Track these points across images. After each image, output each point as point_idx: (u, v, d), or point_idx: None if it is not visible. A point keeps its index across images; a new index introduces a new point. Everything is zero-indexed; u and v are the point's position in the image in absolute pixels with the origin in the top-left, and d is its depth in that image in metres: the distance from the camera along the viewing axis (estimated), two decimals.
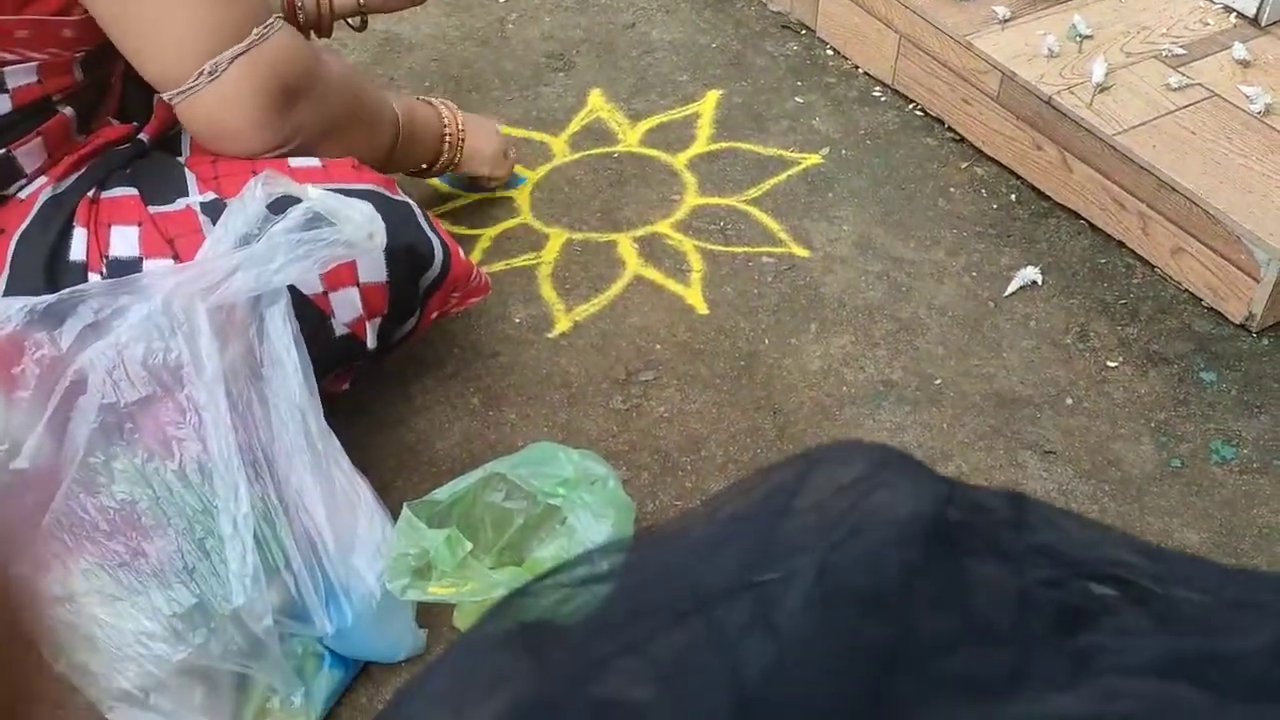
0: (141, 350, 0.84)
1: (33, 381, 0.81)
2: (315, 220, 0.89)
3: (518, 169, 1.41)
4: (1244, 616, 0.39)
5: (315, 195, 0.91)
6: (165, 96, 0.94)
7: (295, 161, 1.00)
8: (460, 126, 1.27)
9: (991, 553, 0.41)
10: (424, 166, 1.27)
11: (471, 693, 0.42)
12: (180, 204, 0.96)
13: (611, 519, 0.90)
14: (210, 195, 0.96)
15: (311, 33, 1.24)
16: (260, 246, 0.87)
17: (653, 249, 1.34)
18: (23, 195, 0.96)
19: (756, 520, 0.42)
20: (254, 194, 0.88)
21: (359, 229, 0.90)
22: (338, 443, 0.93)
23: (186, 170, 0.99)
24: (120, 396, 0.83)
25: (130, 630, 0.83)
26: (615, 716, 0.38)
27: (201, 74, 0.91)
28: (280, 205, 0.90)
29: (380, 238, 0.93)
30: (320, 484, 0.92)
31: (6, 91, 0.93)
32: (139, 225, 0.95)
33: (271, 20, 0.94)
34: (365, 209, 0.92)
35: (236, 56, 0.91)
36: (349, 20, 1.28)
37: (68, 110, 0.97)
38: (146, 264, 0.93)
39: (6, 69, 0.91)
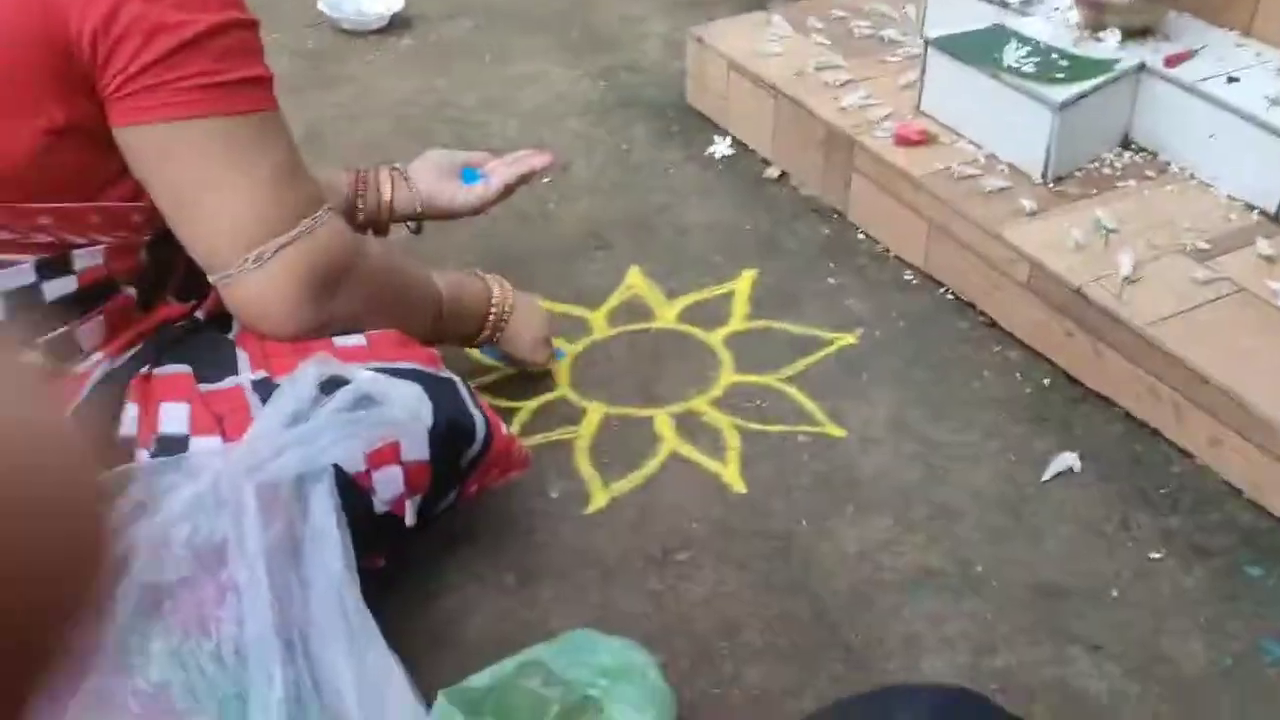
0: (187, 530, 0.84)
1: None
2: (363, 401, 0.91)
3: (558, 343, 1.43)
4: None
5: (364, 377, 0.93)
6: (211, 278, 0.98)
7: (340, 340, 1.03)
8: (508, 306, 1.29)
9: None
10: (459, 341, 1.29)
11: None
12: (230, 382, 0.99)
13: (652, 713, 0.88)
14: (261, 374, 0.98)
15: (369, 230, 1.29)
16: (309, 426, 0.88)
17: (690, 426, 1.35)
18: (78, 369, 0.99)
19: None
20: (306, 375, 0.90)
21: (406, 409, 0.92)
22: (373, 622, 0.92)
23: (237, 348, 1.02)
24: (163, 576, 0.82)
25: None
26: None
27: (246, 261, 0.94)
28: (329, 385, 0.92)
29: (427, 417, 0.95)
30: (354, 666, 0.90)
31: (74, 273, 0.96)
32: (189, 403, 0.97)
33: (320, 213, 0.98)
34: (413, 390, 0.94)
35: (282, 247, 0.95)
36: (406, 223, 1.34)
37: (130, 290, 1.00)
38: (193, 442, 0.94)
39: (75, 252, 0.95)
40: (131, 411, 0.96)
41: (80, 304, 0.98)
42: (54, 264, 0.96)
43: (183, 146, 0.91)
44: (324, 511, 0.92)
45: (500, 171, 1.34)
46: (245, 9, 0.93)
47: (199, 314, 1.07)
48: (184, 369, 1.00)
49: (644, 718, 0.89)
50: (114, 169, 0.94)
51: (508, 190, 1.34)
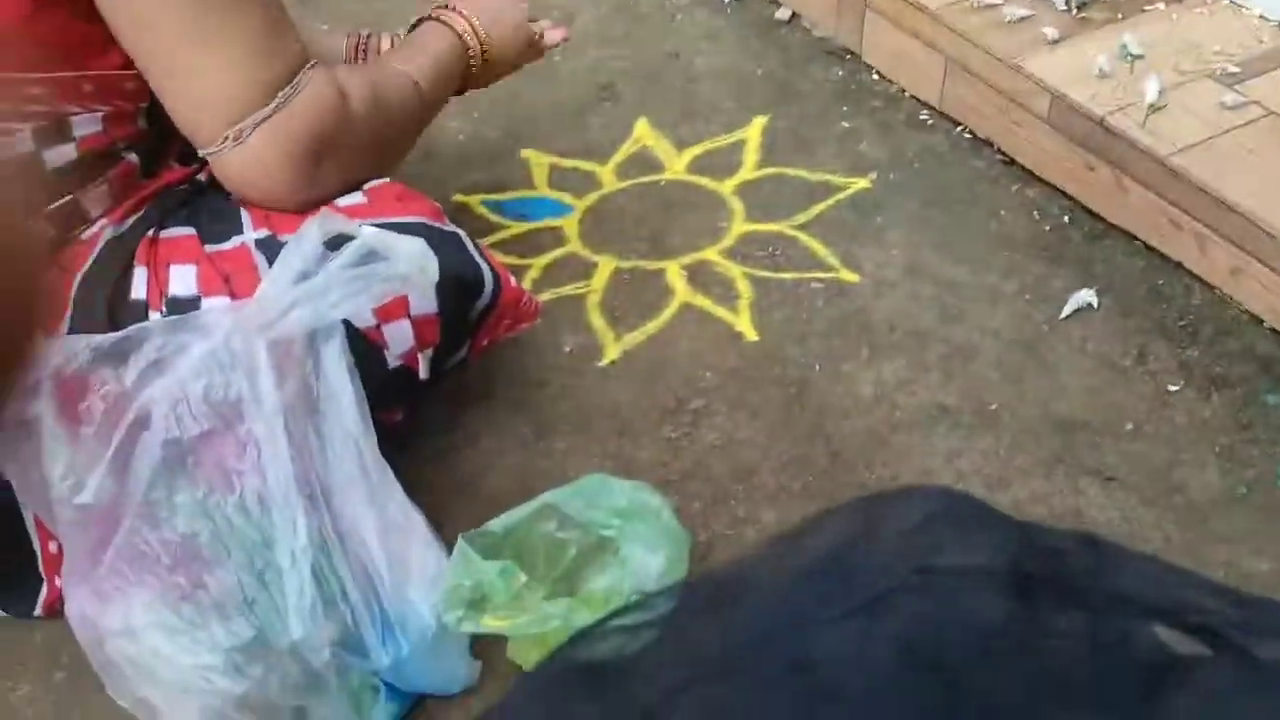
0: (203, 386, 0.85)
1: (98, 418, 0.82)
2: (369, 256, 0.90)
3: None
4: None
5: (369, 232, 0.92)
6: (201, 153, 0.96)
7: (341, 199, 1.02)
8: (483, 42, 1.17)
9: (1070, 602, 0.40)
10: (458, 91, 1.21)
11: None
12: (235, 241, 0.98)
13: (665, 551, 0.90)
14: (264, 232, 0.98)
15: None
16: (316, 282, 0.88)
17: (701, 276, 1.34)
18: (85, 236, 0.98)
19: (822, 572, 0.41)
20: (310, 233, 0.90)
21: (412, 263, 0.92)
22: (392, 474, 0.94)
23: (241, 208, 1.01)
24: (183, 432, 0.84)
25: (190, 664, 0.84)
26: None
27: (226, 139, 0.93)
28: (335, 243, 0.91)
29: (433, 271, 0.95)
30: (375, 516, 0.93)
31: (73, 140, 0.95)
32: (196, 264, 0.96)
33: (300, 77, 0.94)
34: (417, 244, 0.93)
35: (259, 123, 0.93)
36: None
37: (132, 156, 0.99)
38: (204, 302, 0.94)
39: (73, 119, 0.94)
40: (140, 275, 0.97)
41: (82, 171, 0.98)
42: (51, 132, 0.95)
43: (156, 14, 0.88)
44: (337, 367, 0.92)
45: (552, 33, 1.28)
46: None
47: (200, 177, 1.06)
48: (189, 231, 0.99)
49: (658, 557, 0.91)
50: (100, 38, 0.92)
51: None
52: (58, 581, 0.95)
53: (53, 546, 0.99)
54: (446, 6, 1.18)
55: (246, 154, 0.93)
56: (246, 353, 0.87)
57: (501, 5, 1.21)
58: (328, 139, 0.97)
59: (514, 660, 0.99)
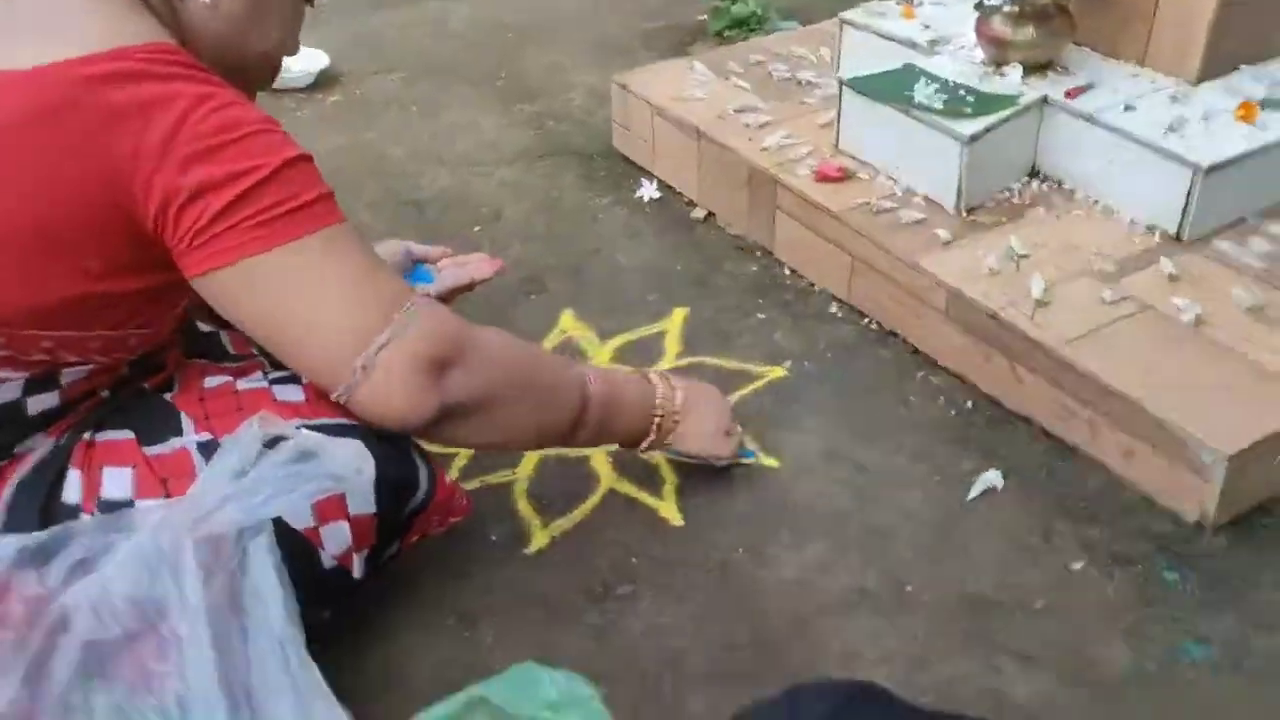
0: (128, 585, 0.84)
1: (17, 620, 0.81)
2: (305, 456, 0.92)
3: (746, 442, 1.36)
4: None
5: (306, 434, 0.94)
6: (333, 397, 0.97)
7: (281, 394, 1.04)
8: (677, 408, 1.22)
9: None
10: (625, 445, 1.24)
11: None
12: (175, 444, 0.99)
13: None
14: (206, 435, 0.99)
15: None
16: (250, 479, 0.89)
17: (625, 462, 1.37)
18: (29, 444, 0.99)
19: None
20: (249, 431, 0.91)
21: (347, 464, 0.93)
22: (319, 675, 0.92)
23: (180, 411, 1.02)
24: (104, 633, 0.83)
25: None
26: None
27: (355, 373, 0.94)
28: (273, 444, 0.93)
29: (369, 472, 0.96)
30: (301, 718, 0.90)
31: (59, 388, 0.97)
32: (133, 467, 0.97)
33: (409, 305, 0.96)
34: (352, 445, 0.95)
35: (382, 348, 0.94)
36: None
37: (105, 393, 1.01)
38: (139, 505, 0.94)
39: (65, 369, 0.96)
40: (74, 478, 0.96)
41: (60, 413, 0.99)
42: (40, 380, 0.96)
43: (262, 279, 0.91)
44: (264, 566, 0.92)
45: (451, 273, 1.32)
46: (295, 144, 0.93)
47: (144, 384, 1.07)
48: (127, 434, 1.00)
49: None
50: (127, 308, 0.95)
51: (455, 293, 1.32)
52: None
53: None
54: (662, 375, 1.24)
55: (375, 382, 0.95)
56: (174, 550, 0.87)
57: (710, 397, 1.28)
58: (450, 354, 0.98)
59: None
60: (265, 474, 0.87)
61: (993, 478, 1.33)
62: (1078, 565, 1.23)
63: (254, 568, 0.91)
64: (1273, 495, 1.29)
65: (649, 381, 1.22)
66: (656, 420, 1.21)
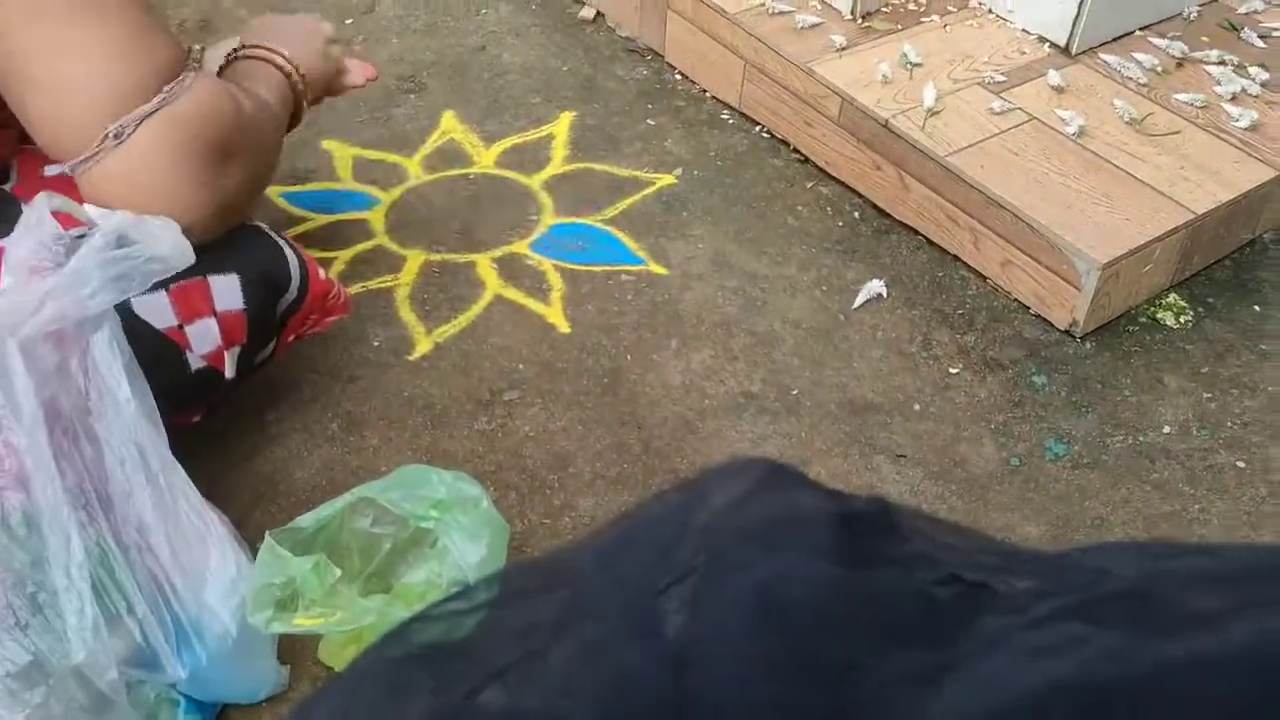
0: None
1: None
2: (122, 240, 0.84)
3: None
4: (1096, 576, 0.42)
5: (118, 216, 0.85)
6: (67, 168, 0.86)
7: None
8: (303, 76, 1.08)
9: (881, 560, 0.43)
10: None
11: (364, 712, 0.42)
12: None
13: (486, 539, 0.90)
14: None
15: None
16: (68, 272, 0.81)
17: (512, 269, 1.34)
18: None
19: (661, 532, 0.42)
20: (41, 214, 0.82)
21: (170, 245, 0.85)
22: (184, 474, 0.88)
23: (18, 200, 0.93)
24: None
25: None
26: None
27: (106, 138, 0.83)
28: (83, 235, 0.85)
29: (190, 254, 0.88)
30: (164, 520, 0.87)
31: None
32: None
33: (183, 76, 0.86)
34: (168, 223, 0.87)
35: (146, 117, 0.84)
36: None
37: None
38: None
39: None
40: None
41: None
42: None
43: (18, 16, 0.80)
44: (110, 364, 0.85)
45: (357, 70, 1.19)
46: None
47: None
48: None
49: (478, 546, 0.91)
50: None
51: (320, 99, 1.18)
52: None
53: None
54: (248, 46, 1.08)
55: (131, 151, 0.84)
56: None
57: (304, 33, 1.12)
58: (226, 135, 0.89)
59: (325, 662, 0.96)
60: (85, 263, 0.78)
61: (876, 287, 1.35)
62: (954, 370, 1.27)
63: (99, 366, 0.84)
64: (1137, 304, 1.34)
65: (280, 72, 1.06)
66: (296, 91, 1.08)
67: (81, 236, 0.81)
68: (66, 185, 0.95)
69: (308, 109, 1.12)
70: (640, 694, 0.36)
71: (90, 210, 0.85)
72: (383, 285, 1.31)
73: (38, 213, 0.80)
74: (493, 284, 1.32)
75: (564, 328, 1.28)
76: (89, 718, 0.83)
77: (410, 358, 1.23)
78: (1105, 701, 0.34)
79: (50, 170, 0.96)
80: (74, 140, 0.84)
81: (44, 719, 0.81)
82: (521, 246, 1.37)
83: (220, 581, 0.88)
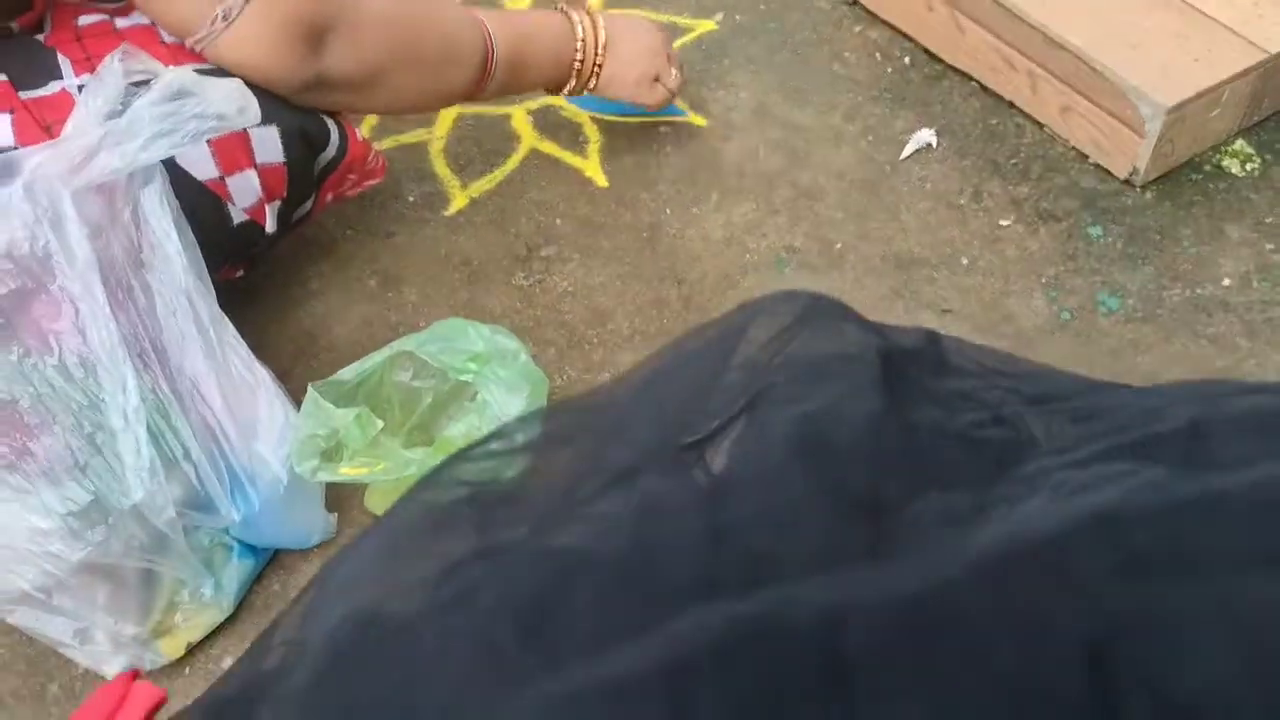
0: (4, 241, 0.78)
1: None
2: (181, 94, 0.83)
3: (677, 102, 1.26)
4: (1147, 416, 0.40)
5: (180, 71, 0.85)
6: (188, 44, 0.89)
7: (167, 34, 0.94)
8: (600, 48, 1.11)
9: (924, 398, 0.42)
10: (547, 90, 1.15)
11: (412, 547, 0.42)
12: (54, 88, 0.90)
13: (525, 393, 0.89)
14: (86, 77, 0.89)
15: None
16: (122, 122, 0.81)
17: (548, 121, 1.30)
18: None
19: (700, 368, 0.41)
20: (112, 69, 0.82)
21: (228, 102, 0.85)
22: (232, 328, 0.89)
23: (57, 52, 0.92)
24: None
25: (23, 530, 0.79)
26: (569, 561, 0.37)
27: (216, 19, 0.87)
28: (145, 85, 0.84)
29: (253, 112, 0.88)
30: (215, 371, 0.88)
31: None
32: (11, 112, 0.88)
33: None
34: (233, 83, 0.87)
35: (249, 1, 0.86)
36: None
37: None
38: (20, 150, 0.86)
39: None
40: None
41: None
42: None
43: None
44: (159, 216, 0.86)
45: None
46: None
47: (13, 25, 0.95)
48: (0, 78, 0.90)
49: (518, 399, 0.90)
50: None
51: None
52: None
53: None
54: (586, 9, 1.11)
55: (241, 31, 0.88)
56: (51, 202, 0.80)
57: (639, 34, 1.14)
58: (328, 19, 0.91)
59: (371, 510, 0.98)
60: (140, 115, 0.78)
61: (926, 136, 1.30)
62: (1005, 222, 1.23)
63: (150, 219, 0.85)
64: (1202, 150, 1.28)
65: (569, 20, 1.12)
66: (576, 66, 1.12)
67: (142, 85, 0.80)
68: (105, 36, 0.93)
69: (595, 85, 1.14)
70: (673, 527, 0.35)
71: (174, 70, 0.85)
72: (416, 139, 1.28)
73: (109, 67, 0.80)
74: (528, 137, 1.29)
75: (601, 181, 1.25)
76: (148, 556, 0.86)
77: (446, 213, 1.21)
78: (1146, 527, 0.32)
79: (86, 20, 0.94)
80: (192, 21, 0.88)
81: (104, 556, 0.83)
82: (557, 98, 1.33)
83: (270, 431, 0.90)
